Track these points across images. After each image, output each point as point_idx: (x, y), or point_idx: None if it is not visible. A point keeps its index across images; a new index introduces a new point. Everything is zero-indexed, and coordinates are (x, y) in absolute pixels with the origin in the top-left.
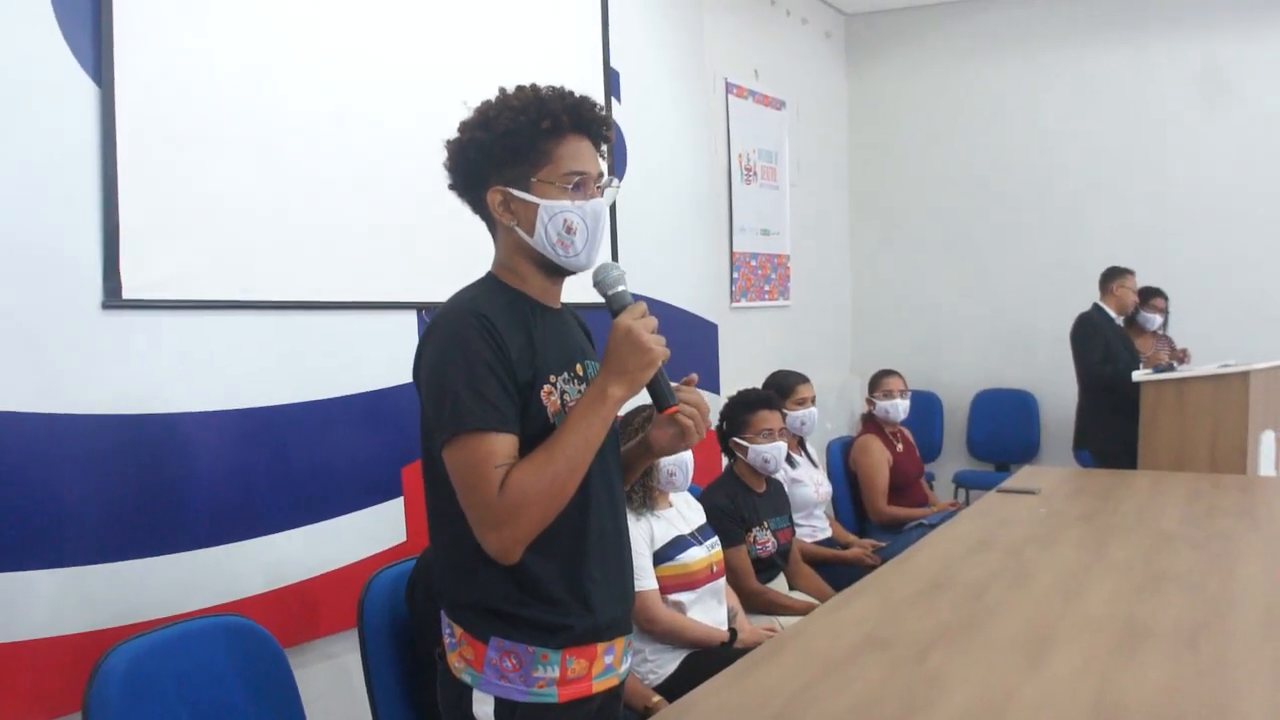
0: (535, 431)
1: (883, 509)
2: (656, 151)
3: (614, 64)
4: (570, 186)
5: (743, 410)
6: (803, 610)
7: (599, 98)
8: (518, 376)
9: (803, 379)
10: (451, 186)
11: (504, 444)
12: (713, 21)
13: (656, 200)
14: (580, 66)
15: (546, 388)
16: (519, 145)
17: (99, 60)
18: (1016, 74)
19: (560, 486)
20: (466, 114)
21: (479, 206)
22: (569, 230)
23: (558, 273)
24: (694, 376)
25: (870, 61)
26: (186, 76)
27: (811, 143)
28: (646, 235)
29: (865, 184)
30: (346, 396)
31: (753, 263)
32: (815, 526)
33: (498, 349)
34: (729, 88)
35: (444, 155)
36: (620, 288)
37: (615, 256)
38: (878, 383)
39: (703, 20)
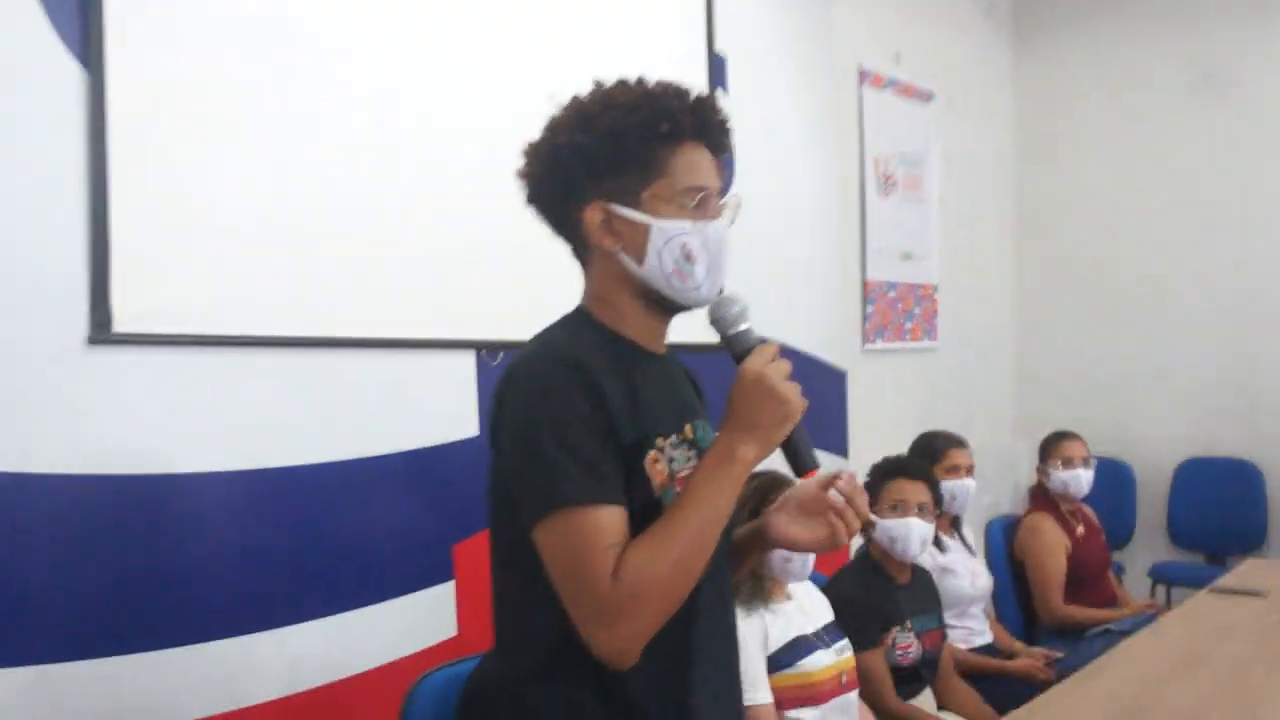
0: (636, 509)
1: (1058, 608)
2: (771, 155)
3: (719, 48)
4: (691, 204)
5: (875, 478)
6: None
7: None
8: (621, 438)
9: (958, 442)
10: (531, 200)
11: (614, 519)
12: None
13: (771, 216)
14: (678, 51)
15: (653, 454)
16: (629, 152)
17: (86, 37)
18: (1239, 52)
19: (686, 571)
20: (551, 111)
21: (566, 227)
22: (688, 258)
23: (667, 310)
24: (850, 474)
25: (1044, 41)
26: (195, 61)
27: (967, 145)
28: (758, 260)
29: (1036, 197)
30: (386, 456)
31: (891, 294)
32: (971, 629)
33: (599, 404)
34: (863, 76)
35: (521, 162)
36: (744, 325)
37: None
38: (1052, 448)
39: None
